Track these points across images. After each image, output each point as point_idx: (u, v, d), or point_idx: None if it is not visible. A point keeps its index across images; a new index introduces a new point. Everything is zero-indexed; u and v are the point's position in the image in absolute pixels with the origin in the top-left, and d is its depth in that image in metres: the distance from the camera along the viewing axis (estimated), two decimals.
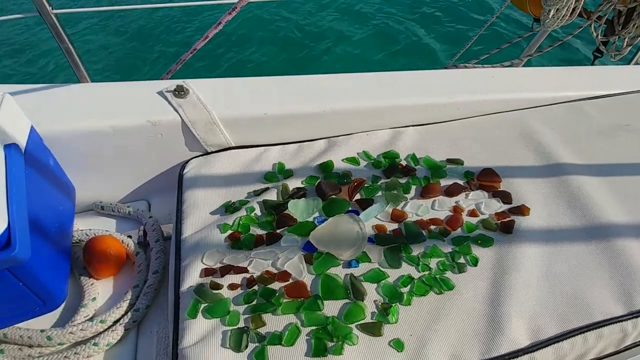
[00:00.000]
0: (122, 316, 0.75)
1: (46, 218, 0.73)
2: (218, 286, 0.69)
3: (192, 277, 0.71)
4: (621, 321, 0.65)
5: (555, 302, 0.67)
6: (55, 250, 0.73)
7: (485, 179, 0.88)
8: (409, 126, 1.01)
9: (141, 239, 0.89)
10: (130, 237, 0.88)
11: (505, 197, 0.84)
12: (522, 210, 0.81)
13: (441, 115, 1.03)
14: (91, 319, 0.74)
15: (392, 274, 0.71)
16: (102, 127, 0.88)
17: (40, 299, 0.67)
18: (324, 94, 0.98)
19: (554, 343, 0.63)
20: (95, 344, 0.71)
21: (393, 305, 0.67)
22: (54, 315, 0.76)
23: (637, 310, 0.66)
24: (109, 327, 0.73)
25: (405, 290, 0.69)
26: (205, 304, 0.67)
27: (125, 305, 0.76)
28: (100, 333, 0.73)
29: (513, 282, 0.69)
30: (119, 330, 0.73)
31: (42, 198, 0.74)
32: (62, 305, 0.76)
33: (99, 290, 0.80)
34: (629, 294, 0.67)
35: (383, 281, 0.70)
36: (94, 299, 0.78)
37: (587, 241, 0.76)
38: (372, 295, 0.68)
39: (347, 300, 0.67)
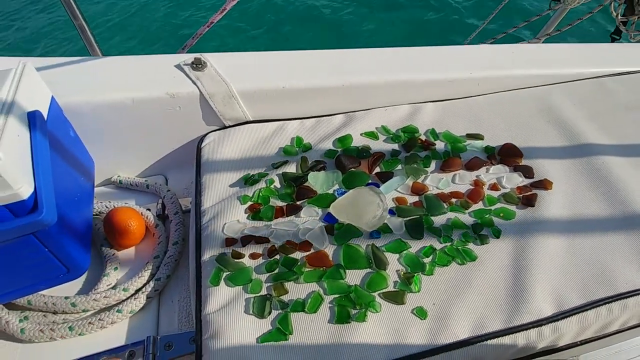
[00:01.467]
0: (144, 285, 0.75)
1: (68, 187, 0.73)
2: (240, 255, 0.70)
3: (214, 247, 0.72)
4: None
5: (579, 274, 0.67)
6: (78, 219, 0.73)
7: (507, 154, 0.86)
8: (428, 102, 0.99)
9: (160, 211, 0.89)
10: (149, 210, 0.89)
11: (527, 171, 0.83)
12: (544, 185, 0.80)
13: (461, 91, 1.01)
14: (114, 287, 0.74)
15: (414, 245, 0.71)
16: (121, 99, 0.88)
17: (65, 265, 0.68)
18: (343, 69, 0.97)
19: (578, 313, 0.62)
20: (119, 311, 0.72)
21: (415, 274, 0.66)
22: (77, 283, 0.77)
23: None
24: (131, 295, 0.74)
25: (427, 260, 0.69)
26: (228, 272, 0.68)
27: (146, 274, 0.77)
28: (123, 301, 0.73)
29: (536, 254, 0.69)
30: (142, 298, 0.74)
31: (64, 168, 0.74)
32: (85, 274, 0.77)
33: (120, 260, 0.81)
34: None
35: (405, 251, 0.69)
36: (116, 268, 0.78)
37: (611, 215, 0.75)
38: (394, 265, 0.68)
39: (369, 270, 0.67)
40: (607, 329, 0.65)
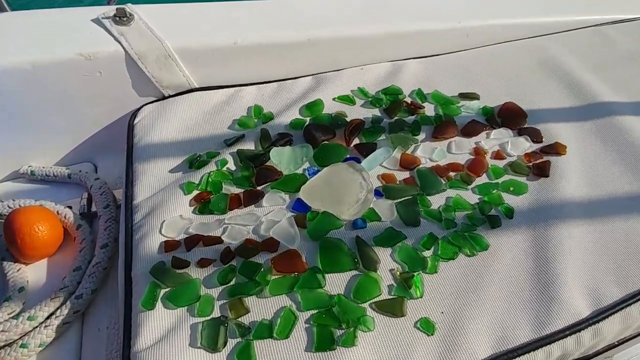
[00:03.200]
0: (59, 307, 0.57)
1: None
2: (183, 264, 0.52)
3: (148, 255, 0.54)
4: None
5: (613, 256, 0.54)
6: None
7: (508, 115, 0.72)
8: (411, 58, 0.83)
9: (84, 208, 0.70)
10: (69, 207, 0.69)
11: (533, 134, 0.69)
12: (556, 149, 0.66)
13: (448, 44, 0.85)
14: (17, 316, 0.56)
15: (410, 234, 0.55)
16: (18, 64, 0.66)
17: None
18: (308, 20, 0.79)
19: (620, 309, 0.49)
20: (23, 346, 0.54)
21: (415, 274, 0.51)
22: None
23: None
24: (41, 324, 0.56)
25: (428, 253, 0.54)
26: (167, 289, 0.50)
27: (63, 293, 0.58)
28: (30, 332, 0.55)
29: (558, 236, 0.55)
30: (54, 325, 0.55)
31: None
32: None
33: (29, 277, 0.62)
34: None
35: (399, 244, 0.54)
36: (22, 289, 0.59)
37: (637, 180, 0.62)
38: (386, 263, 0.53)
39: (355, 272, 0.52)
40: None
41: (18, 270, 0.61)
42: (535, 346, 0.46)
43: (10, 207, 0.66)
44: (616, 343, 0.52)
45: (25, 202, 0.68)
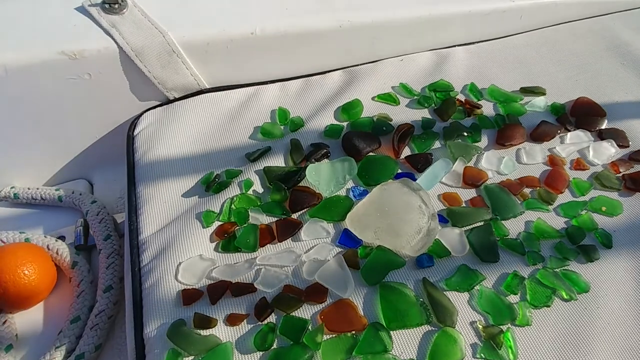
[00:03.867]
0: None
1: None
2: (209, 322, 0.41)
3: (163, 309, 0.43)
4: None
5: None
6: None
7: (583, 113, 0.60)
8: (456, 46, 0.71)
9: (80, 239, 0.58)
10: (62, 238, 0.58)
11: (618, 137, 0.57)
12: None
13: (499, 28, 0.73)
14: None
15: (488, 274, 0.44)
16: None
17: None
18: (337, 3, 0.66)
19: None
20: None
21: (504, 328, 0.40)
22: None
23: None
24: None
25: (514, 299, 0.43)
26: (190, 357, 0.39)
27: (59, 353, 0.47)
28: None
29: None
30: None
31: None
32: None
33: (17, 331, 0.51)
34: None
35: (478, 287, 0.43)
36: (9, 347, 0.48)
37: None
38: (465, 314, 0.42)
39: (427, 327, 0.41)
40: None
41: (4, 324, 0.50)
42: None
43: None
44: None
45: (8, 235, 0.56)
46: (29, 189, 0.64)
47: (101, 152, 0.66)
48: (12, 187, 0.64)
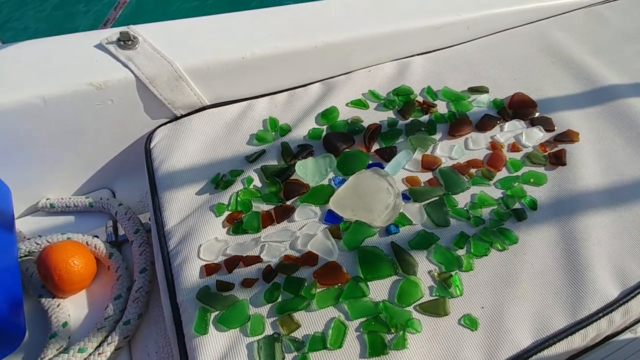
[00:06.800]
0: (107, 335, 0.58)
1: None
2: (228, 286, 0.54)
3: (191, 280, 0.55)
4: None
5: (633, 238, 0.56)
6: None
7: (519, 106, 0.74)
8: (415, 55, 0.84)
9: (112, 236, 0.70)
10: (96, 236, 0.69)
11: (545, 123, 0.71)
12: (570, 136, 0.69)
13: (449, 38, 0.86)
14: (66, 350, 0.57)
15: (442, 235, 0.57)
16: (29, 100, 0.66)
17: None
18: (312, 26, 0.79)
19: None
20: None
21: (453, 273, 0.53)
22: (16, 357, 0.58)
23: None
24: (91, 354, 0.57)
25: (462, 252, 0.56)
26: (216, 312, 0.52)
27: (108, 323, 0.59)
28: None
29: (582, 222, 0.58)
30: (107, 352, 0.56)
31: None
32: (25, 341, 0.58)
33: (70, 311, 0.62)
34: None
35: (433, 245, 0.56)
36: (66, 324, 0.60)
37: None
38: (424, 265, 0.55)
39: (395, 277, 0.54)
40: None
41: (58, 306, 0.61)
42: (572, 330, 0.49)
43: (38, 244, 0.67)
44: None
45: (52, 236, 0.68)
46: (62, 198, 0.75)
47: (121, 164, 0.78)
48: (47, 199, 0.75)
